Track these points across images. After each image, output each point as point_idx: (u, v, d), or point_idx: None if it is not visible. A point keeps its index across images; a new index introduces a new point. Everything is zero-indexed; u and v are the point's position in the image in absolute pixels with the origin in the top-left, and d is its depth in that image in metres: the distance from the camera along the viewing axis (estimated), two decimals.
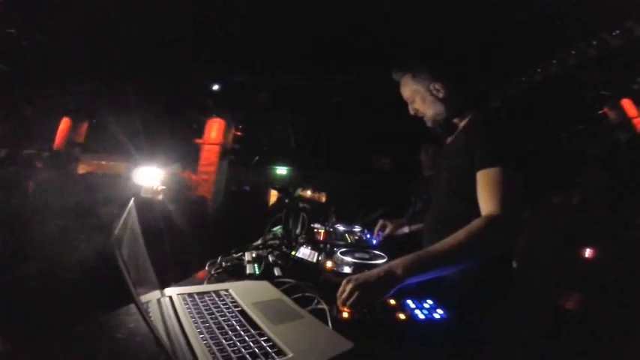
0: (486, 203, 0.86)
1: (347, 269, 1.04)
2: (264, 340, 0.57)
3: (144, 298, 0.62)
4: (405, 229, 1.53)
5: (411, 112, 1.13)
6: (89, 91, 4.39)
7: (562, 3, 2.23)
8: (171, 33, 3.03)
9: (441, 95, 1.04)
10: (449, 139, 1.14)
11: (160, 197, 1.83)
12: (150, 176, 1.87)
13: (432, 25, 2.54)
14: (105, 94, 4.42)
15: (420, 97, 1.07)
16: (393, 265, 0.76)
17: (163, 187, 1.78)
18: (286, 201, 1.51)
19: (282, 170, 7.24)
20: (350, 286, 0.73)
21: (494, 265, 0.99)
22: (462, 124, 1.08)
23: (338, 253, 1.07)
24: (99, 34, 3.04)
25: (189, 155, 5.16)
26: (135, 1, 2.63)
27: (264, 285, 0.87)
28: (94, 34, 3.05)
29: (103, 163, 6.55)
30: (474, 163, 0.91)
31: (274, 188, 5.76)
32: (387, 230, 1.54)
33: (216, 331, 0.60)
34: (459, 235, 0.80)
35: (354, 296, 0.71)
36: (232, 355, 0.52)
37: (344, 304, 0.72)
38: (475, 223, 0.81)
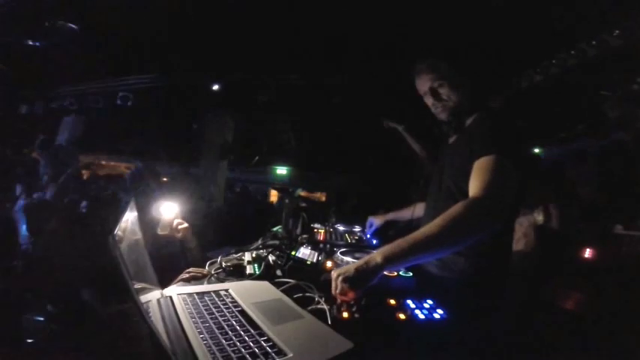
0: (471, 188, 0.87)
1: None
2: (264, 340, 0.57)
3: (144, 298, 0.63)
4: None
5: (430, 103, 1.12)
6: (89, 90, 4.38)
7: (562, 3, 2.23)
8: (171, 32, 3.03)
9: (463, 87, 1.05)
10: (451, 139, 1.14)
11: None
12: None
13: (432, 25, 2.54)
14: (105, 93, 4.42)
15: (446, 87, 1.06)
16: (374, 253, 0.78)
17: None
18: (286, 201, 1.51)
19: (282, 170, 7.23)
20: (335, 276, 0.76)
21: (492, 265, 0.99)
22: (467, 123, 1.08)
23: (338, 253, 1.07)
24: (99, 32, 3.03)
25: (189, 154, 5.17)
26: (134, 0, 2.63)
27: (264, 285, 0.87)
28: (93, 33, 3.05)
29: (103, 163, 6.55)
30: (472, 158, 0.91)
31: (274, 188, 5.77)
32: (375, 225, 1.63)
33: (216, 331, 0.60)
34: (438, 220, 0.80)
35: (340, 285, 0.74)
36: (232, 355, 0.52)
37: (334, 293, 0.75)
38: (454, 207, 0.81)
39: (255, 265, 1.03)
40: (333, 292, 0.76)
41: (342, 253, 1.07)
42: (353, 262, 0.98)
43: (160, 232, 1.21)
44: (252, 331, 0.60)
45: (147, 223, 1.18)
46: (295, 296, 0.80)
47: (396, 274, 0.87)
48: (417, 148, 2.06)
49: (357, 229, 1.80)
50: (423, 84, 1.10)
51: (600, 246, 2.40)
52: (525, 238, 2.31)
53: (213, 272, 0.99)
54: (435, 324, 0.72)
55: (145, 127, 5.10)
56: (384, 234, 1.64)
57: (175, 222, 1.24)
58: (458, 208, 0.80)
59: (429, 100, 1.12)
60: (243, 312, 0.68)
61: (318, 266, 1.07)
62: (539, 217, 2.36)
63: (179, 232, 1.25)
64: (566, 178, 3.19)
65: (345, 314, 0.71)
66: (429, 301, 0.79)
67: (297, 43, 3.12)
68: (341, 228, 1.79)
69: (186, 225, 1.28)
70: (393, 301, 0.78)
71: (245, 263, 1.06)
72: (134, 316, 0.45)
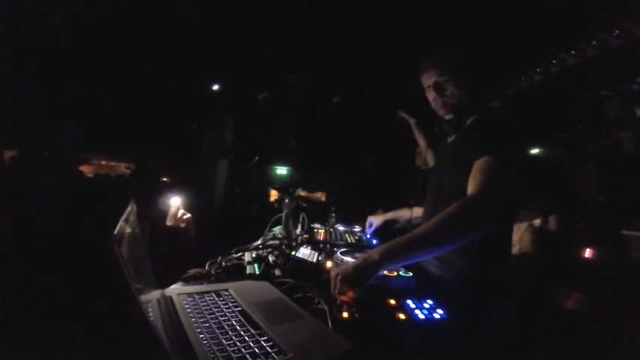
0: (469, 188, 0.88)
1: None
2: (264, 340, 0.57)
3: (144, 298, 0.63)
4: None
5: (432, 98, 1.12)
6: (89, 90, 4.39)
7: (562, 3, 2.22)
8: (171, 32, 3.03)
9: (466, 86, 1.06)
10: (450, 139, 1.14)
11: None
12: None
13: (432, 25, 2.54)
14: (104, 93, 4.43)
15: (451, 84, 1.06)
16: (372, 251, 0.79)
17: None
18: (286, 201, 1.51)
19: (282, 170, 7.23)
20: (333, 275, 0.77)
21: (492, 265, 0.99)
22: (468, 123, 1.08)
23: (338, 253, 1.07)
24: (98, 32, 3.04)
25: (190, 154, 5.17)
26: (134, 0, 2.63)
27: (264, 285, 0.87)
28: (93, 33, 3.05)
29: (103, 163, 6.55)
30: (473, 158, 0.91)
31: (274, 188, 5.76)
32: (375, 225, 1.64)
33: (216, 331, 0.60)
34: (435, 218, 0.81)
35: (339, 285, 0.74)
36: (232, 355, 0.52)
37: (333, 293, 0.76)
38: (450, 207, 0.82)
39: (255, 265, 1.03)
40: (332, 291, 0.76)
41: (342, 253, 1.07)
42: (352, 261, 0.99)
43: (167, 223, 1.24)
44: (253, 330, 0.60)
45: (147, 221, 1.19)
46: (295, 296, 0.80)
47: (395, 273, 0.87)
48: (422, 145, 2.05)
49: (357, 229, 1.79)
50: (429, 78, 1.10)
51: (600, 246, 2.40)
52: (520, 243, 2.31)
53: (213, 272, 0.99)
54: (435, 324, 0.72)
55: (145, 127, 5.10)
56: (384, 234, 1.64)
57: (180, 212, 1.27)
58: (453, 208, 0.81)
59: (430, 95, 1.12)
60: (243, 312, 0.68)
61: (318, 266, 1.07)
62: (536, 220, 2.37)
63: (183, 222, 1.28)
64: (566, 178, 3.19)
65: (345, 314, 0.71)
66: (429, 301, 0.79)
67: (297, 43, 3.12)
68: (341, 228, 1.79)
69: (189, 215, 1.30)
70: (393, 301, 0.78)
71: (245, 263, 1.06)
72: (134, 316, 0.45)
